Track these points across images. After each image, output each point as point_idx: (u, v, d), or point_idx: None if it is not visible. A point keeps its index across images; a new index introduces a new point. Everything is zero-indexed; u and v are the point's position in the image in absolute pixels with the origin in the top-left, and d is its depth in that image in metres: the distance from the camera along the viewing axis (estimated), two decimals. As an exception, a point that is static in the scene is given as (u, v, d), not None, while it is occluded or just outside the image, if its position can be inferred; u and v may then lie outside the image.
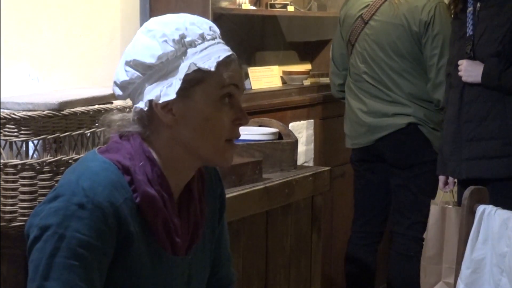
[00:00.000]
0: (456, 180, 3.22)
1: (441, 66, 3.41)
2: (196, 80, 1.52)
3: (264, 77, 3.87)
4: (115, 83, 1.57)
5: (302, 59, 4.42)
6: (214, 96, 1.54)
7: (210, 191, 1.74)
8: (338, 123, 3.85)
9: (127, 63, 1.54)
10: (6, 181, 1.99)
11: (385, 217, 3.75)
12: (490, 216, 2.30)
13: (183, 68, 1.52)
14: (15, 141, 1.98)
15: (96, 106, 2.14)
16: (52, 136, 2.01)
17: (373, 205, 3.72)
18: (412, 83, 3.51)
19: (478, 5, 3.06)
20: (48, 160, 2.01)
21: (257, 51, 4.14)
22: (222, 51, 1.56)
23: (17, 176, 1.99)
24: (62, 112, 2.02)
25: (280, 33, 4.36)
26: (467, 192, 2.37)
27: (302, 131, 3.80)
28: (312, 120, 3.88)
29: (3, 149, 1.98)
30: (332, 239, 4.03)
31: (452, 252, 2.78)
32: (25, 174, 1.99)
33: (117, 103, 2.19)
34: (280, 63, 4.13)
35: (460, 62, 3.07)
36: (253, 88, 3.72)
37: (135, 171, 1.53)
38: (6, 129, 1.97)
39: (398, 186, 3.61)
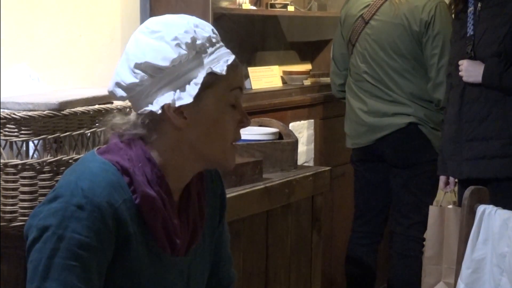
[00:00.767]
0: (456, 180, 3.22)
1: (441, 65, 3.41)
2: (207, 83, 1.53)
3: (265, 77, 3.86)
4: (117, 84, 1.56)
5: (303, 59, 4.42)
6: (223, 99, 1.56)
7: (210, 191, 1.74)
8: (338, 123, 3.84)
9: (137, 66, 1.52)
10: (6, 181, 1.99)
11: (385, 217, 3.75)
12: (490, 216, 2.29)
13: (198, 72, 1.53)
14: (15, 141, 1.98)
15: (97, 106, 2.14)
16: (53, 136, 2.01)
17: (373, 205, 3.72)
18: (413, 82, 3.51)
19: (479, 5, 3.06)
20: (49, 160, 2.01)
21: (258, 51, 4.14)
22: (228, 54, 1.58)
23: (17, 176, 1.99)
24: (62, 112, 2.02)
25: (281, 33, 4.36)
26: (467, 192, 2.37)
27: (303, 131, 3.80)
28: (312, 120, 3.88)
29: (3, 149, 1.98)
30: (332, 239, 4.03)
31: (452, 252, 2.78)
32: (25, 174, 1.99)
33: (118, 103, 2.19)
34: (281, 63, 4.13)
35: (460, 62, 3.07)
36: (253, 88, 3.72)
37: (134, 172, 1.53)
38: (7, 129, 1.97)
39: (398, 186, 3.61)
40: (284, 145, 2.94)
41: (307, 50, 4.47)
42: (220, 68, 1.53)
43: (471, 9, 3.08)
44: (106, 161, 1.53)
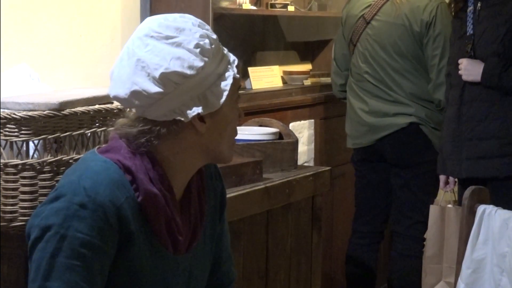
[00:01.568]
0: (456, 179, 3.22)
1: (442, 66, 3.41)
2: None
3: (265, 77, 3.86)
4: (136, 93, 1.51)
5: (303, 59, 4.42)
6: (233, 99, 1.59)
7: (210, 188, 1.74)
8: (339, 123, 3.84)
9: (163, 76, 1.49)
10: (7, 181, 1.99)
11: (386, 217, 3.75)
12: (490, 216, 2.30)
13: (217, 76, 1.55)
14: (15, 141, 1.98)
15: (97, 106, 2.14)
16: (53, 136, 2.01)
17: (374, 205, 3.72)
18: (414, 83, 3.51)
19: (479, 4, 3.06)
20: (49, 160, 2.01)
21: (258, 51, 4.14)
22: (228, 53, 1.60)
23: (17, 176, 1.99)
24: (62, 112, 2.02)
25: (281, 33, 4.36)
26: (467, 192, 2.37)
27: (303, 131, 3.80)
28: (313, 120, 3.87)
29: (4, 149, 1.98)
30: (332, 239, 4.03)
31: (452, 252, 2.78)
32: (25, 174, 1.99)
33: (118, 103, 2.19)
34: (281, 63, 4.13)
35: (460, 61, 3.07)
36: (253, 88, 3.72)
37: (136, 170, 1.53)
38: (7, 129, 1.97)
39: (399, 186, 3.61)
40: (284, 145, 2.94)
41: (307, 50, 4.47)
42: (235, 71, 1.58)
43: (470, 8, 3.08)
44: (107, 160, 1.53)
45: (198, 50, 1.52)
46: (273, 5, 3.89)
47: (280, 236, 2.79)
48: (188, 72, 1.50)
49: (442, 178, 3.26)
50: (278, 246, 2.79)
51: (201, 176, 1.70)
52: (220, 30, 3.33)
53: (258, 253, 2.69)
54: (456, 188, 3.25)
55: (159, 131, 1.54)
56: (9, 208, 1.99)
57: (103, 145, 1.61)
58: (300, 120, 3.79)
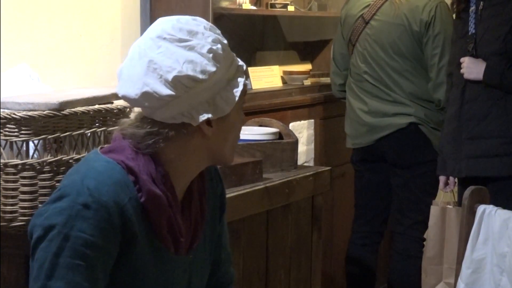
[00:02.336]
0: (456, 180, 3.22)
1: (442, 66, 3.41)
2: None
3: (265, 77, 3.86)
4: (147, 94, 1.51)
5: (303, 59, 4.42)
6: (239, 104, 1.60)
7: (211, 190, 1.74)
8: (339, 123, 3.84)
9: (175, 79, 1.50)
10: (7, 181, 1.99)
11: (385, 217, 3.75)
12: (490, 216, 2.30)
13: (230, 84, 1.56)
14: (15, 141, 1.98)
15: (97, 106, 2.14)
16: (53, 136, 2.01)
17: (373, 205, 3.72)
18: (413, 83, 3.51)
19: (481, 4, 3.06)
20: (49, 160, 2.01)
21: (258, 51, 4.14)
22: (236, 58, 1.61)
23: (17, 176, 1.99)
24: (62, 112, 2.01)
25: (281, 33, 4.36)
26: (467, 192, 2.37)
27: (303, 131, 3.80)
28: (313, 120, 3.87)
29: (4, 149, 1.98)
30: (332, 239, 4.03)
31: (453, 253, 2.78)
32: (25, 174, 1.99)
33: (118, 103, 2.19)
34: (281, 63, 4.13)
35: (462, 59, 3.07)
36: (253, 88, 3.72)
37: (139, 171, 1.53)
38: (7, 129, 1.97)
39: (398, 186, 3.61)
40: (284, 145, 2.94)
41: (307, 50, 4.47)
42: (244, 77, 1.59)
43: (473, 8, 3.08)
44: (110, 160, 1.53)
45: (211, 55, 1.52)
46: (273, 5, 3.89)
47: (280, 236, 2.79)
48: (200, 76, 1.51)
49: (442, 179, 3.26)
50: (278, 246, 2.79)
51: (202, 177, 1.70)
52: (220, 30, 3.32)
53: (258, 253, 2.69)
54: (456, 189, 3.24)
55: (167, 133, 1.54)
56: (9, 208, 1.99)
57: (106, 145, 1.62)
58: (300, 120, 3.79)
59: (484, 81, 3.01)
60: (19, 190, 1.99)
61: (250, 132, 2.91)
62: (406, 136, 3.51)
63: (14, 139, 1.97)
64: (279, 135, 3.01)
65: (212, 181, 1.76)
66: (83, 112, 2.07)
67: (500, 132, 3.02)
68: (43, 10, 2.82)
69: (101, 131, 2.13)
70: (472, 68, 3.03)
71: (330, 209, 3.97)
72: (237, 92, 1.56)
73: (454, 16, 3.29)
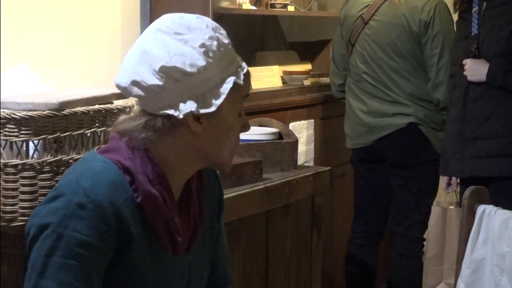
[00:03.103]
0: (458, 180, 3.21)
1: (441, 66, 3.41)
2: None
3: (265, 77, 3.87)
4: (136, 82, 1.53)
5: (302, 59, 4.42)
6: (236, 106, 1.59)
7: (209, 190, 1.74)
8: (338, 123, 3.84)
9: (164, 69, 1.51)
10: (6, 181, 1.99)
11: (385, 217, 3.75)
12: (490, 216, 2.30)
13: (223, 82, 1.55)
14: (15, 141, 1.98)
15: (97, 106, 2.14)
16: (53, 136, 2.01)
17: (373, 205, 3.72)
18: (412, 83, 3.51)
19: (484, 4, 3.05)
20: (49, 160, 2.01)
21: (258, 51, 4.14)
22: (241, 61, 1.61)
23: (17, 176, 1.99)
24: (62, 112, 2.01)
25: (281, 33, 4.36)
26: (467, 192, 2.37)
27: (303, 131, 3.80)
28: (313, 120, 3.87)
29: (3, 149, 1.98)
30: (332, 239, 4.03)
31: (453, 253, 2.77)
32: (25, 174, 1.99)
33: (118, 103, 2.19)
34: (281, 63, 4.13)
35: (464, 61, 3.06)
36: (253, 88, 3.71)
37: (136, 171, 1.53)
38: (7, 129, 1.97)
39: (398, 186, 3.61)
40: (284, 145, 2.94)
41: (307, 50, 4.47)
42: (240, 77, 1.57)
43: (475, 8, 3.08)
44: (107, 160, 1.53)
45: (202, 49, 1.52)
46: (273, 5, 3.89)
47: (280, 236, 2.79)
48: (189, 69, 1.51)
49: (444, 179, 3.26)
50: (278, 246, 2.79)
51: (200, 178, 1.70)
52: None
53: (258, 253, 2.69)
54: (457, 189, 3.24)
55: (154, 125, 1.54)
56: (9, 208, 1.99)
57: (103, 146, 1.62)
58: (300, 120, 3.79)
59: (488, 82, 3.00)
60: (19, 190, 1.99)
61: (250, 132, 2.89)
62: (406, 136, 3.51)
63: (14, 139, 1.97)
64: (279, 135, 3.01)
65: (210, 182, 1.76)
66: (83, 112, 2.07)
67: (503, 132, 3.01)
68: (43, 10, 2.82)
69: (101, 131, 2.13)
70: (475, 70, 3.03)
71: (330, 209, 3.97)
72: (226, 89, 1.54)
73: (456, 16, 3.29)
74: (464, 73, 3.06)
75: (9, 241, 2.03)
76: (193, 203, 1.66)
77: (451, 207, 3.10)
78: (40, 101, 2.02)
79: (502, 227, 2.26)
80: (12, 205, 1.99)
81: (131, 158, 1.54)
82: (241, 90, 1.58)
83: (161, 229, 1.56)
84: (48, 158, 2.01)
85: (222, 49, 1.55)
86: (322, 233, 3.09)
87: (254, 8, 3.80)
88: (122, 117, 1.60)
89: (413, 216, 3.59)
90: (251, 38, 4.13)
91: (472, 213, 2.34)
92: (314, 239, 2.98)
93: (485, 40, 3.04)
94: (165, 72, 1.51)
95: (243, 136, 2.87)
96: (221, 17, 3.48)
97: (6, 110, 1.99)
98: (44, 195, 1.97)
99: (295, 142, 2.98)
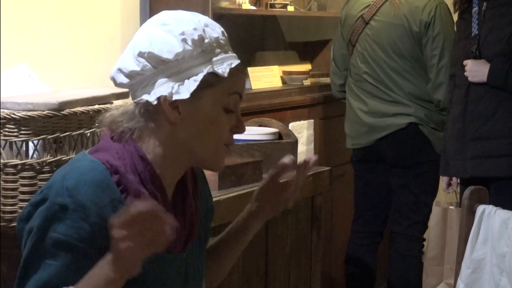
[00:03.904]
0: (459, 181, 3.21)
1: (441, 66, 3.41)
2: (207, 83, 1.53)
3: (264, 77, 3.86)
4: (119, 70, 1.55)
5: (302, 59, 4.42)
6: (221, 101, 1.56)
7: (202, 188, 1.75)
8: (338, 123, 3.84)
9: (141, 54, 1.52)
10: (6, 181, 1.99)
11: (385, 217, 3.75)
12: (490, 216, 2.30)
13: (200, 70, 1.53)
14: (15, 141, 1.98)
15: (96, 106, 2.14)
16: (52, 136, 2.01)
17: (373, 205, 3.72)
18: (413, 83, 3.51)
19: (484, 4, 3.05)
20: (48, 160, 2.01)
21: (257, 51, 4.14)
22: (233, 58, 1.58)
23: (17, 176, 1.99)
24: (62, 112, 2.02)
25: (280, 33, 4.36)
26: (467, 192, 2.37)
27: (302, 131, 3.80)
28: (312, 120, 3.88)
29: (3, 149, 1.98)
30: (332, 239, 4.03)
31: (453, 253, 2.77)
32: (25, 174, 1.99)
33: (117, 103, 2.19)
34: (280, 63, 4.13)
35: (465, 62, 3.06)
36: (253, 88, 3.72)
37: (126, 171, 1.52)
38: (6, 129, 1.97)
39: (398, 186, 3.61)
40: (284, 145, 2.94)
41: (306, 50, 4.47)
42: (223, 69, 1.54)
43: (475, 9, 3.08)
44: (95, 160, 1.53)
45: (181, 37, 1.52)
46: (272, 5, 3.89)
47: (279, 236, 2.79)
48: (165, 55, 1.51)
49: (444, 179, 3.26)
50: (277, 246, 2.79)
51: (194, 175, 1.70)
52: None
53: (257, 253, 2.69)
54: (458, 190, 3.24)
55: (136, 113, 1.55)
56: (8, 208, 1.99)
57: (94, 145, 1.62)
58: (299, 120, 3.79)
59: (489, 82, 3.00)
60: (18, 190, 1.99)
61: (250, 132, 2.91)
62: (406, 136, 3.51)
63: (14, 139, 1.97)
64: (279, 135, 3.01)
65: (202, 180, 1.76)
66: (82, 112, 2.07)
67: (505, 133, 3.01)
68: (43, 10, 2.82)
69: (100, 131, 2.13)
70: (476, 71, 3.02)
71: (330, 209, 3.97)
72: (199, 77, 1.51)
73: (456, 16, 3.29)
74: (465, 74, 3.06)
75: (9, 241, 2.03)
76: (189, 202, 1.65)
77: (451, 207, 3.10)
78: (40, 101, 2.02)
79: (502, 227, 2.26)
80: (12, 205, 1.99)
81: (121, 158, 1.53)
82: (227, 84, 1.55)
83: None
84: (48, 158, 2.01)
85: (207, 40, 1.54)
86: (322, 233, 3.09)
87: (253, 8, 3.80)
88: (111, 111, 1.61)
89: (413, 216, 3.59)
90: (251, 38, 4.13)
91: (472, 213, 2.34)
92: (314, 239, 2.98)
93: (485, 41, 3.04)
94: (143, 57, 1.52)
95: (243, 136, 2.88)
96: (221, 17, 3.48)
97: (6, 110, 1.99)
98: (44, 195, 1.97)
99: (295, 142, 2.98)
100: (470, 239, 2.33)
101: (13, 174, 1.99)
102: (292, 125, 3.70)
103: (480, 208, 2.32)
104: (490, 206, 2.32)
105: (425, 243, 3.58)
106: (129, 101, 1.63)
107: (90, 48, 3.00)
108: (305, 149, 3.81)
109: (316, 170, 3.01)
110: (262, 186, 1.85)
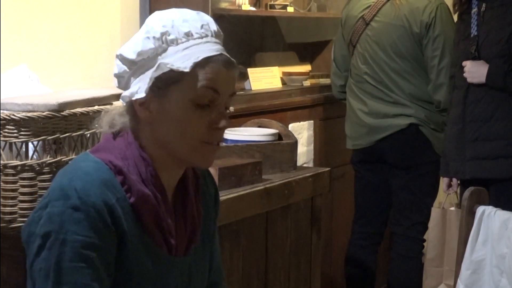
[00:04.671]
0: (459, 182, 3.21)
1: (442, 67, 3.41)
2: (172, 79, 1.50)
3: (264, 78, 3.86)
4: (113, 74, 1.60)
5: (302, 60, 4.42)
6: (188, 97, 1.51)
7: (205, 191, 1.73)
8: (338, 124, 3.84)
9: (117, 57, 1.56)
10: (6, 182, 1.99)
11: (385, 218, 3.75)
12: (489, 217, 2.30)
13: (158, 67, 1.52)
14: (14, 142, 1.98)
15: (96, 107, 2.14)
16: (52, 137, 2.01)
17: (373, 206, 3.72)
18: (413, 84, 3.51)
19: (483, 5, 3.05)
20: (48, 161, 2.01)
21: (257, 52, 4.14)
22: (206, 51, 1.52)
23: (17, 177, 1.99)
24: (61, 113, 2.01)
25: (280, 34, 4.36)
26: (466, 193, 2.37)
27: (302, 132, 3.80)
28: (312, 121, 3.87)
29: (3, 150, 1.98)
30: (332, 239, 4.03)
31: (453, 255, 2.77)
32: (25, 175, 1.99)
33: (117, 103, 2.19)
34: (280, 64, 4.13)
35: (464, 63, 3.06)
36: (253, 89, 3.72)
37: (128, 171, 1.52)
38: (6, 130, 1.97)
39: (398, 187, 3.61)
40: (284, 146, 2.94)
41: (306, 51, 4.47)
42: (185, 65, 1.49)
43: (475, 10, 3.08)
44: (98, 160, 1.53)
45: (145, 35, 1.52)
46: (272, 6, 3.89)
47: (279, 237, 2.79)
48: (130, 56, 1.53)
49: (445, 180, 3.26)
50: (277, 247, 2.79)
51: (196, 178, 1.69)
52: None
53: (257, 254, 2.69)
54: (458, 191, 3.24)
55: (125, 111, 1.58)
56: (8, 209, 1.99)
57: (95, 145, 1.62)
58: (299, 121, 3.79)
59: (487, 83, 3.00)
60: (18, 191, 1.99)
61: (250, 133, 2.91)
62: (406, 137, 3.51)
63: (14, 140, 1.97)
64: (279, 136, 3.01)
65: (207, 183, 1.75)
66: (82, 113, 2.07)
67: (504, 134, 3.01)
68: (42, 10, 2.82)
69: (100, 131, 2.13)
70: (475, 72, 3.02)
71: (330, 210, 3.97)
72: (155, 74, 1.50)
73: (455, 17, 3.29)
74: (464, 75, 3.06)
75: (9, 242, 2.02)
76: (190, 205, 1.64)
77: (451, 208, 3.10)
78: (40, 102, 2.02)
79: (502, 228, 2.26)
80: (11, 206, 1.99)
81: (124, 158, 1.54)
82: (194, 78, 1.50)
83: (155, 229, 1.56)
84: (48, 159, 2.01)
85: (172, 36, 1.51)
86: (322, 234, 3.09)
87: (253, 9, 3.80)
88: (108, 112, 1.64)
89: (414, 217, 3.59)
90: (251, 39, 4.12)
91: (471, 214, 2.34)
92: (314, 240, 2.98)
93: (484, 42, 3.04)
94: (119, 60, 1.55)
95: (243, 137, 2.88)
96: (221, 18, 3.48)
97: (5, 111, 1.99)
98: (44, 196, 1.97)
99: (295, 143, 2.98)
100: (470, 240, 2.33)
101: (13, 175, 1.99)
102: (292, 126, 3.70)
103: (480, 209, 2.32)
104: (490, 207, 2.32)
105: (425, 244, 3.58)
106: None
107: (90, 48, 3.00)
108: (305, 150, 3.81)
109: (315, 171, 3.01)
110: None
